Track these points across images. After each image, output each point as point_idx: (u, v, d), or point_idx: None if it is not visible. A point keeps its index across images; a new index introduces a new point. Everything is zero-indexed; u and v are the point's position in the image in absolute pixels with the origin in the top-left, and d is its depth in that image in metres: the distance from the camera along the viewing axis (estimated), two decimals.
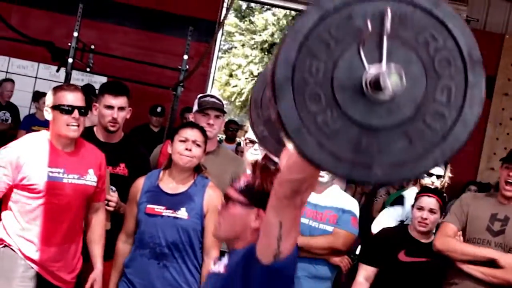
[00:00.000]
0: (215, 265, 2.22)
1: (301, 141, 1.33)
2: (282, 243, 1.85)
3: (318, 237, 3.71)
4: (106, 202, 3.62)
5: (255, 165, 2.17)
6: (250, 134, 3.79)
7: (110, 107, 3.76)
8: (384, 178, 1.37)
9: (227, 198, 2.19)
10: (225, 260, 2.16)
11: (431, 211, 3.92)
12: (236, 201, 2.15)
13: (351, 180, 1.42)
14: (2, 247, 3.26)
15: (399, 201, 4.67)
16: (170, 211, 3.36)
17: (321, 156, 1.33)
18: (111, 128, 3.79)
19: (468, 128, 1.35)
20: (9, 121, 7.90)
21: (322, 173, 3.67)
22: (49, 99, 3.30)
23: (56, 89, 3.33)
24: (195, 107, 4.04)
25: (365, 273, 3.95)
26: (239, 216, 2.14)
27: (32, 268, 3.24)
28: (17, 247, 3.23)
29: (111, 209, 3.65)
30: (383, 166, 1.35)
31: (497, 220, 3.80)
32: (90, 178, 3.38)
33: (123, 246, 3.49)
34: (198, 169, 3.48)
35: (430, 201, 3.94)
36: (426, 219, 3.90)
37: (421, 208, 3.93)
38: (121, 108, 3.79)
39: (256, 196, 2.10)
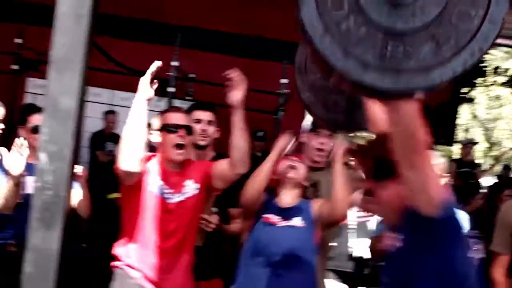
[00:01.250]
0: (389, 243, 2.26)
1: (326, 48, 1.30)
2: (438, 188, 1.96)
3: None
4: (205, 222, 3.62)
5: (364, 148, 2.31)
6: None
7: (198, 120, 3.83)
8: (412, 85, 1.33)
9: (372, 193, 2.24)
10: (397, 236, 2.22)
11: None
12: (381, 186, 2.20)
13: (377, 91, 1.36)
14: (115, 268, 3.32)
15: None
16: (286, 221, 3.46)
17: (347, 64, 1.30)
18: (201, 142, 3.81)
19: (497, 25, 1.32)
20: (114, 152, 8.03)
21: None
22: (155, 123, 3.43)
23: (161, 113, 3.50)
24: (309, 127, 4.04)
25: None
26: (392, 194, 2.17)
27: (144, 287, 3.26)
28: (129, 266, 3.27)
29: (210, 229, 3.64)
30: (411, 71, 1.31)
31: None
32: (190, 188, 3.38)
33: None
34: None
35: None
36: None
37: None
38: (209, 122, 3.86)
39: (387, 169, 2.10)
